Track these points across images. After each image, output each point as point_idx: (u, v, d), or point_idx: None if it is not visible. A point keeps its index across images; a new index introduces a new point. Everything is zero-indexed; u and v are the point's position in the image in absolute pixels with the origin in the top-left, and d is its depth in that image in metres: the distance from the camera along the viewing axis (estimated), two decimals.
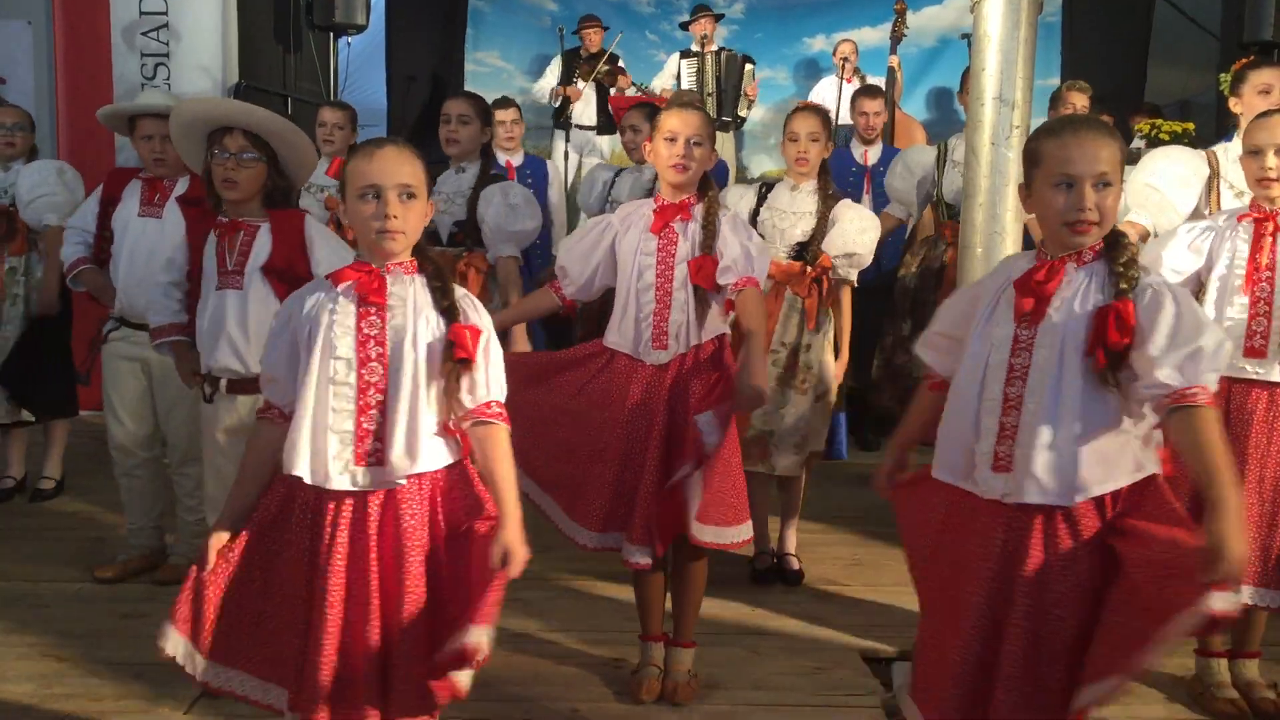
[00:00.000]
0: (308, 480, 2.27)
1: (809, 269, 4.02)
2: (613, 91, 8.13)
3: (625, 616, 3.36)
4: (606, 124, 8.11)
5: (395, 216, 2.27)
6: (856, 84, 7.45)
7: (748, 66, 8.08)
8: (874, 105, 5.90)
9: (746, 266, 3.09)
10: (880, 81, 7.69)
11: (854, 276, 4.11)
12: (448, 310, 2.33)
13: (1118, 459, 2.19)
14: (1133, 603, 2.06)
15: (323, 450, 2.27)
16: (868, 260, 4.11)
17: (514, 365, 3.07)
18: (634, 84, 8.25)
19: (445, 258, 4.21)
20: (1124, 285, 2.16)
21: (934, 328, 2.55)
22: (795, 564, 4.18)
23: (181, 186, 4.02)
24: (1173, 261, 3.18)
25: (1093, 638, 2.12)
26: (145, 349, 3.91)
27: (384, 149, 2.31)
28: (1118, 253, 2.21)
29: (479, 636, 2.14)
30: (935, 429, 2.40)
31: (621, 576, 3.30)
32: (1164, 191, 3.63)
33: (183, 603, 2.34)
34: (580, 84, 8.03)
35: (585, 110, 8.14)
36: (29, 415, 4.96)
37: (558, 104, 8.04)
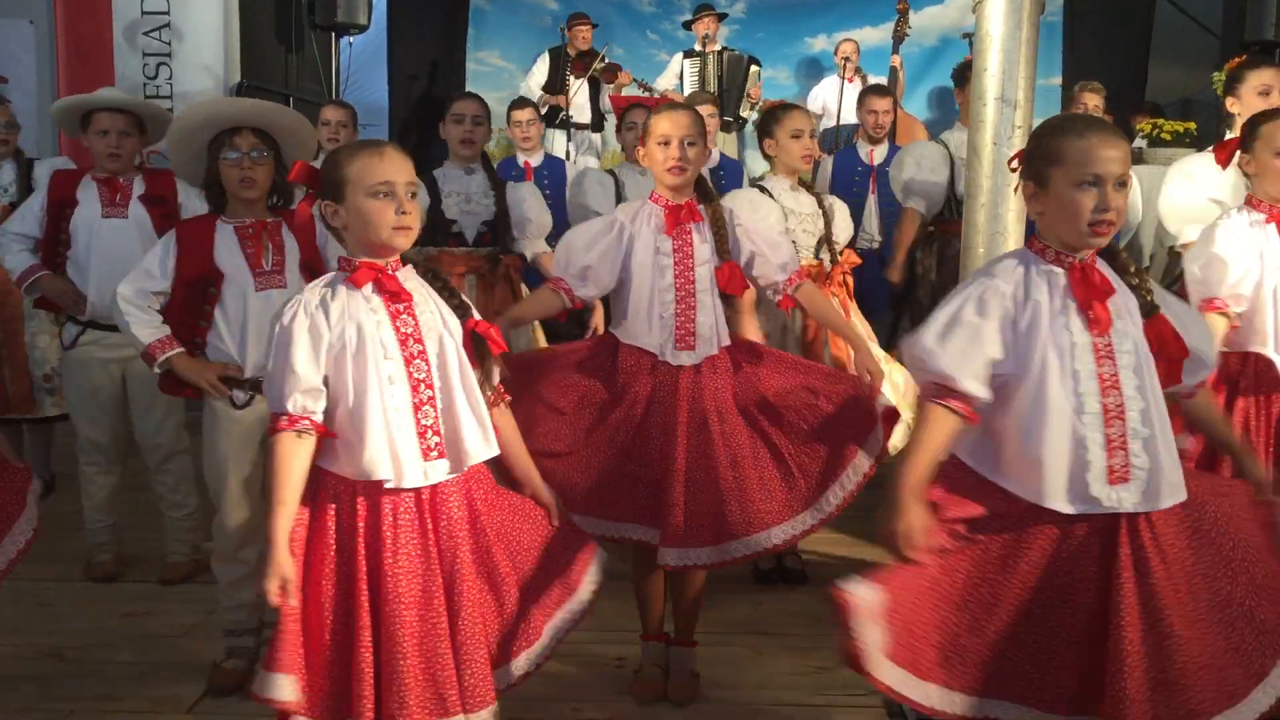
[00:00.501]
0: (391, 483, 2.28)
1: (834, 267, 4.08)
2: (608, 88, 8.12)
3: (627, 616, 3.36)
4: (599, 121, 8.11)
5: (409, 212, 2.31)
6: (858, 84, 7.46)
7: (753, 69, 8.07)
8: (883, 104, 5.90)
9: (794, 260, 3.24)
10: (882, 81, 7.71)
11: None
12: (461, 307, 2.42)
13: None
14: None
15: (396, 450, 2.28)
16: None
17: (521, 364, 3.09)
18: (635, 80, 8.24)
19: (475, 259, 4.21)
20: (1149, 298, 2.27)
21: (982, 357, 2.23)
22: (797, 563, 4.18)
23: (138, 186, 3.99)
24: (1240, 266, 3.03)
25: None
26: (121, 350, 3.81)
27: (387, 149, 2.33)
28: (1121, 263, 2.26)
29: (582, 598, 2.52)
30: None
31: (623, 575, 3.29)
32: (1227, 203, 3.55)
33: (283, 643, 2.23)
34: (573, 81, 8.00)
35: (579, 108, 8.12)
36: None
37: (544, 110, 8.01)
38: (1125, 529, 2.17)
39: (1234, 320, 3.01)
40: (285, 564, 2.22)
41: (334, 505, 2.30)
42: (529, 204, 4.26)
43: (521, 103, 6.21)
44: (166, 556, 4.14)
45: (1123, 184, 2.18)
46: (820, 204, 4.09)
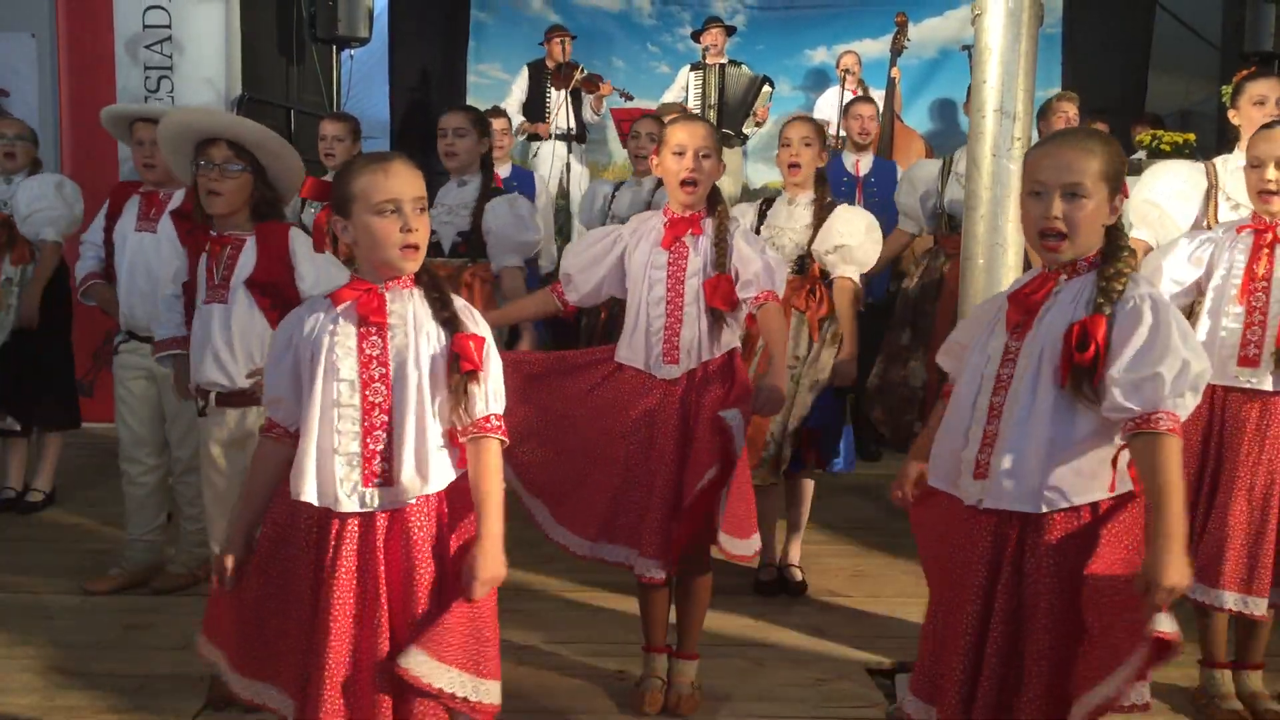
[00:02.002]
0: (315, 504, 2.27)
1: (805, 281, 4.03)
2: (589, 98, 8.10)
3: (628, 628, 3.35)
4: (582, 133, 8.09)
5: (417, 230, 2.27)
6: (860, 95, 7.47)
7: (765, 89, 8.05)
8: (868, 110, 5.96)
9: (767, 280, 3.10)
10: (881, 93, 7.72)
11: (849, 272, 4.06)
12: (448, 321, 2.31)
13: (1094, 472, 2.19)
14: (1091, 632, 2.11)
15: (330, 474, 2.26)
16: (860, 253, 4.04)
17: (517, 363, 3.10)
18: (616, 89, 8.21)
19: (448, 269, 4.24)
20: (1100, 300, 2.15)
21: (954, 336, 2.55)
22: (798, 575, 4.17)
23: (176, 200, 4.03)
24: (1173, 272, 3.20)
25: (1076, 653, 2.14)
26: (150, 359, 3.93)
27: (394, 162, 2.29)
28: (1107, 265, 2.21)
29: (417, 664, 2.18)
30: None
31: (624, 588, 3.30)
32: (1163, 207, 3.66)
33: (209, 617, 2.39)
34: (554, 94, 7.96)
35: (560, 119, 8.06)
36: (13, 424, 4.94)
37: (522, 138, 7.95)
38: (1017, 530, 2.21)
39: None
40: (234, 549, 2.35)
41: (291, 512, 2.32)
42: (499, 218, 4.24)
43: (495, 112, 6.20)
44: (167, 565, 4.14)
45: (1076, 194, 2.17)
46: (821, 218, 4.03)
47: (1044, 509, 2.18)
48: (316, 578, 2.27)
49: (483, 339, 2.32)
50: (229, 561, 2.34)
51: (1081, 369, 2.13)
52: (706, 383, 3.09)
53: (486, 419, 2.30)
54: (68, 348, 5.05)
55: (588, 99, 8.13)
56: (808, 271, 4.04)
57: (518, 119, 7.90)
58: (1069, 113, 5.33)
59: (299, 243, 3.27)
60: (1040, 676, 2.14)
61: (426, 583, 2.26)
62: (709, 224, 3.14)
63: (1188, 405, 2.10)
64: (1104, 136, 2.29)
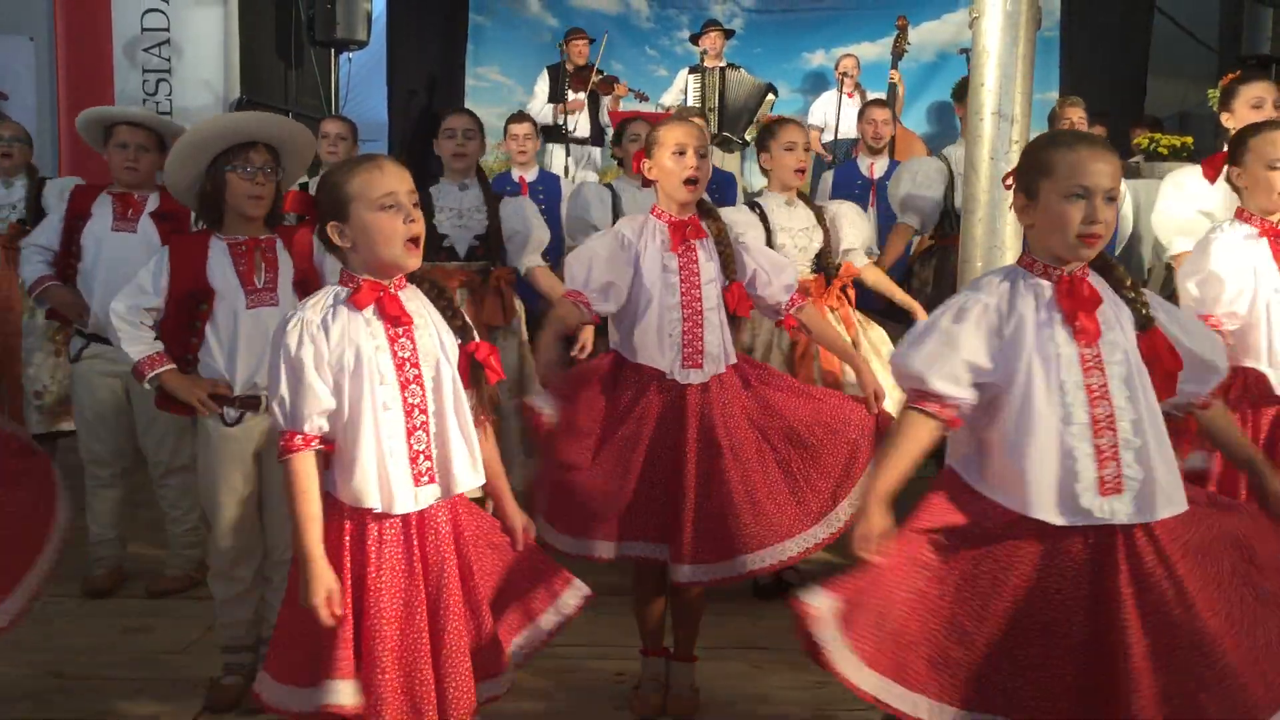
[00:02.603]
0: (378, 509, 2.27)
1: (834, 280, 4.10)
2: (606, 100, 8.13)
3: (627, 631, 3.35)
4: (599, 135, 8.13)
5: (417, 220, 2.29)
6: (857, 99, 7.48)
7: (769, 97, 8.07)
8: (883, 114, 5.92)
9: (794, 279, 3.22)
10: (881, 96, 7.73)
11: (865, 258, 4.28)
12: (463, 329, 2.40)
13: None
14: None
15: (387, 478, 2.27)
16: (870, 236, 4.30)
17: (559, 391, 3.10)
18: (631, 90, 8.24)
19: (467, 273, 4.22)
20: (1145, 311, 2.24)
21: (959, 357, 2.23)
22: (796, 578, 4.17)
23: (153, 203, 3.99)
24: (1236, 283, 3.04)
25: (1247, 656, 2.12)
26: (123, 364, 3.66)
27: (384, 160, 2.31)
28: (1117, 277, 2.25)
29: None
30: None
31: (623, 591, 3.29)
32: (1218, 216, 3.56)
33: (340, 654, 2.25)
34: (572, 95, 8.01)
35: (580, 122, 8.13)
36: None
37: (561, 120, 8.03)
38: (1122, 542, 2.15)
39: (1228, 337, 3.01)
40: (328, 577, 2.22)
41: (324, 521, 2.30)
42: (522, 217, 4.27)
43: (519, 117, 6.21)
44: (163, 569, 4.14)
45: (1111, 198, 2.19)
46: (820, 217, 4.10)
47: (1186, 506, 2.19)
48: (359, 580, 2.27)
49: (496, 348, 2.43)
50: (335, 588, 2.23)
51: (1173, 375, 2.24)
52: (734, 387, 3.10)
53: (484, 412, 2.44)
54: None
55: (604, 101, 8.15)
56: (835, 271, 4.12)
57: (542, 122, 7.99)
58: (1074, 117, 5.32)
59: (317, 241, 3.26)
60: (1226, 670, 2.10)
61: (455, 574, 2.33)
62: (710, 227, 3.15)
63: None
64: (1106, 140, 2.32)
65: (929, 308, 4.71)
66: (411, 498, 2.30)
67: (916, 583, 2.23)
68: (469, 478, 2.36)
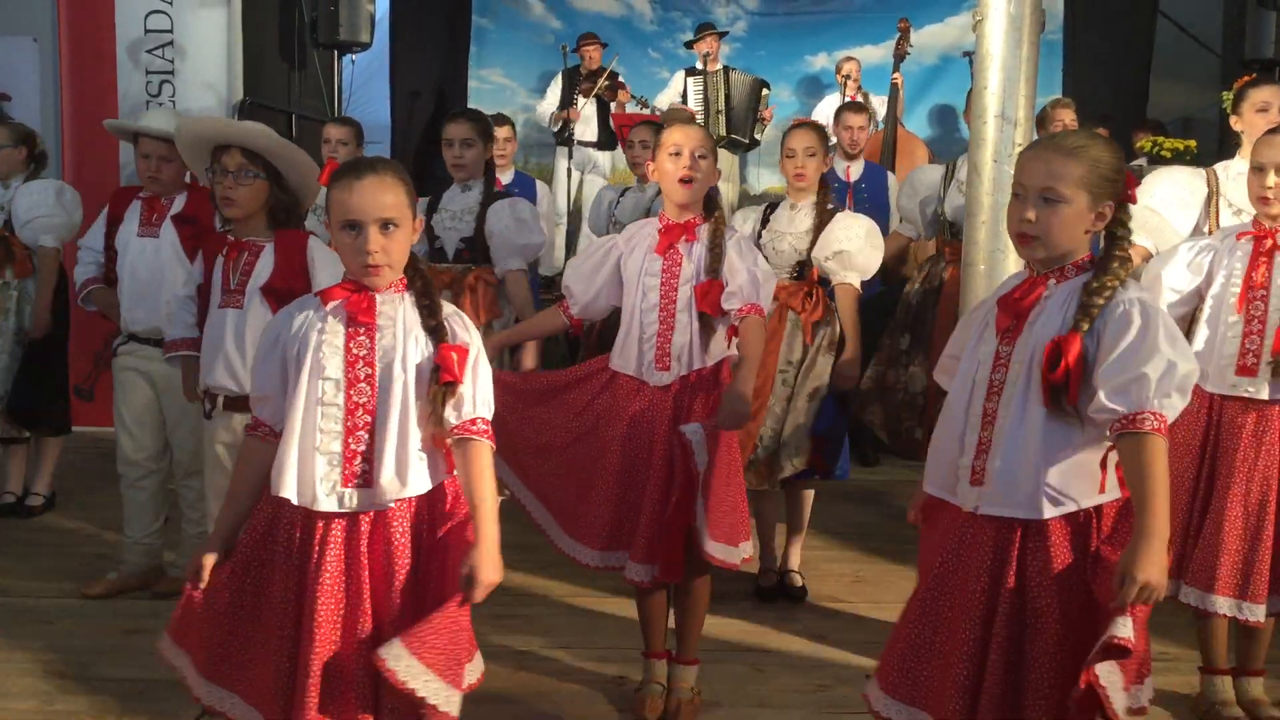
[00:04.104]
0: (294, 502, 2.26)
1: (802, 284, 4.06)
2: (613, 106, 8.15)
3: (628, 633, 3.35)
4: (608, 140, 8.15)
5: (376, 251, 2.24)
6: (860, 101, 7.47)
7: (764, 91, 8.08)
8: (858, 120, 5.92)
9: (752, 293, 3.09)
10: (883, 99, 7.73)
11: (850, 278, 4.04)
12: (435, 330, 2.30)
13: (1086, 475, 2.18)
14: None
15: (310, 472, 2.25)
16: (860, 259, 4.03)
17: (517, 386, 3.13)
18: (634, 97, 8.27)
19: (450, 274, 4.24)
20: (1079, 316, 2.14)
21: (948, 351, 2.53)
22: (798, 581, 4.17)
23: (178, 205, 4.06)
24: (1171, 280, 3.20)
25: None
26: (151, 363, 3.97)
27: (363, 180, 2.24)
28: (1094, 277, 2.18)
29: (395, 659, 2.09)
30: None
31: (625, 593, 3.30)
32: (1162, 213, 3.66)
33: (178, 618, 2.37)
34: (580, 101, 8.04)
35: (587, 127, 8.15)
36: (20, 431, 4.95)
37: (557, 128, 8.07)
38: (1018, 537, 2.19)
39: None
40: (212, 548, 2.33)
41: (274, 513, 2.32)
42: (502, 221, 4.27)
43: (499, 119, 6.20)
44: (167, 569, 4.15)
45: (1050, 199, 2.17)
46: (822, 223, 4.04)
47: (1043, 514, 2.17)
48: (299, 581, 2.26)
49: (466, 348, 2.29)
50: (206, 561, 2.31)
51: (1056, 386, 2.13)
52: (696, 391, 3.10)
53: (473, 421, 2.28)
54: (64, 353, 5.04)
55: (612, 106, 8.18)
56: (806, 275, 4.07)
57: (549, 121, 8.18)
58: (1065, 119, 5.33)
59: (317, 251, 3.30)
60: (1047, 684, 2.13)
61: (405, 587, 2.25)
62: (704, 230, 3.15)
63: (1175, 406, 2.08)
64: (1101, 141, 2.23)
65: (915, 315, 4.75)
66: (336, 498, 2.25)
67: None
68: (393, 488, 2.26)
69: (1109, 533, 2.18)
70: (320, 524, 2.26)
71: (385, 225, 2.24)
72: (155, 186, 4.07)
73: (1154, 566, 1.96)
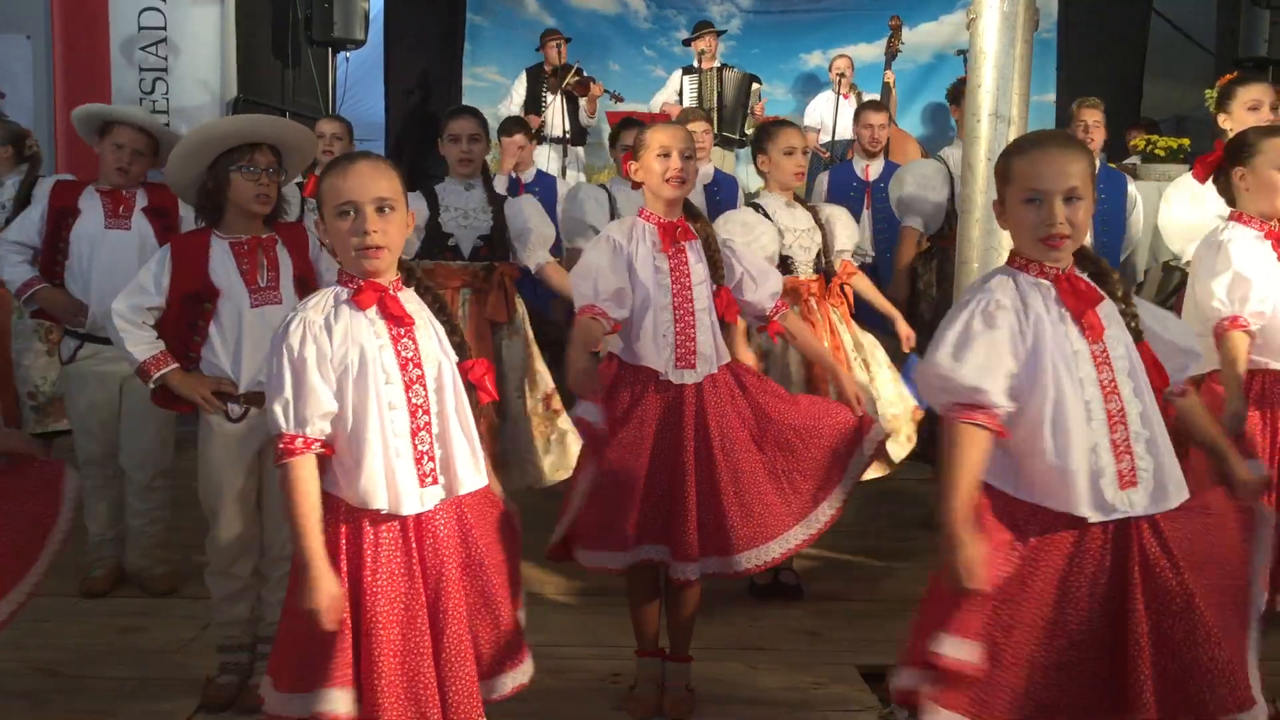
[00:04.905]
0: (385, 510, 2.26)
1: (834, 279, 4.15)
2: (583, 101, 8.13)
3: (623, 631, 3.35)
4: (578, 134, 8.12)
5: (375, 231, 2.25)
6: (853, 100, 7.48)
7: (754, 86, 8.09)
8: (879, 118, 5.88)
9: (780, 290, 3.27)
10: (875, 98, 7.73)
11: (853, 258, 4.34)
12: (460, 347, 2.41)
13: None
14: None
15: (394, 478, 2.27)
16: (867, 247, 4.37)
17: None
18: (607, 91, 8.24)
19: (470, 271, 4.22)
20: (1137, 327, 2.30)
21: (1002, 367, 2.19)
22: (794, 579, 4.17)
23: (142, 199, 3.99)
24: (1265, 287, 3.06)
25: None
26: (119, 364, 3.71)
27: (357, 164, 2.29)
28: (1110, 285, 2.28)
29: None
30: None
31: (619, 591, 3.29)
32: (1191, 221, 3.63)
33: (337, 663, 2.23)
34: (549, 97, 8.01)
35: (555, 123, 8.10)
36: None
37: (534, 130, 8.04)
38: (1135, 535, 2.18)
39: (1255, 337, 3.04)
40: (329, 581, 2.19)
41: (350, 524, 2.28)
42: (529, 215, 4.28)
43: (515, 124, 6.19)
44: (151, 569, 4.11)
45: (1075, 198, 2.19)
46: (816, 217, 4.14)
47: (1185, 495, 2.23)
48: (356, 582, 2.25)
49: (493, 366, 2.44)
50: (334, 590, 2.19)
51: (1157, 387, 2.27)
52: (726, 386, 3.13)
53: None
54: None
55: (582, 102, 8.16)
56: (835, 271, 4.18)
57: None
58: (1089, 121, 5.25)
59: (314, 239, 3.27)
60: (1213, 659, 2.14)
61: (457, 577, 2.32)
62: (698, 230, 3.18)
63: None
64: (1076, 138, 2.37)
65: (935, 310, 4.74)
66: (417, 499, 2.29)
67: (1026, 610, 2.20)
68: (472, 478, 2.36)
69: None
70: (369, 527, 2.26)
71: (381, 207, 2.26)
72: (121, 180, 3.95)
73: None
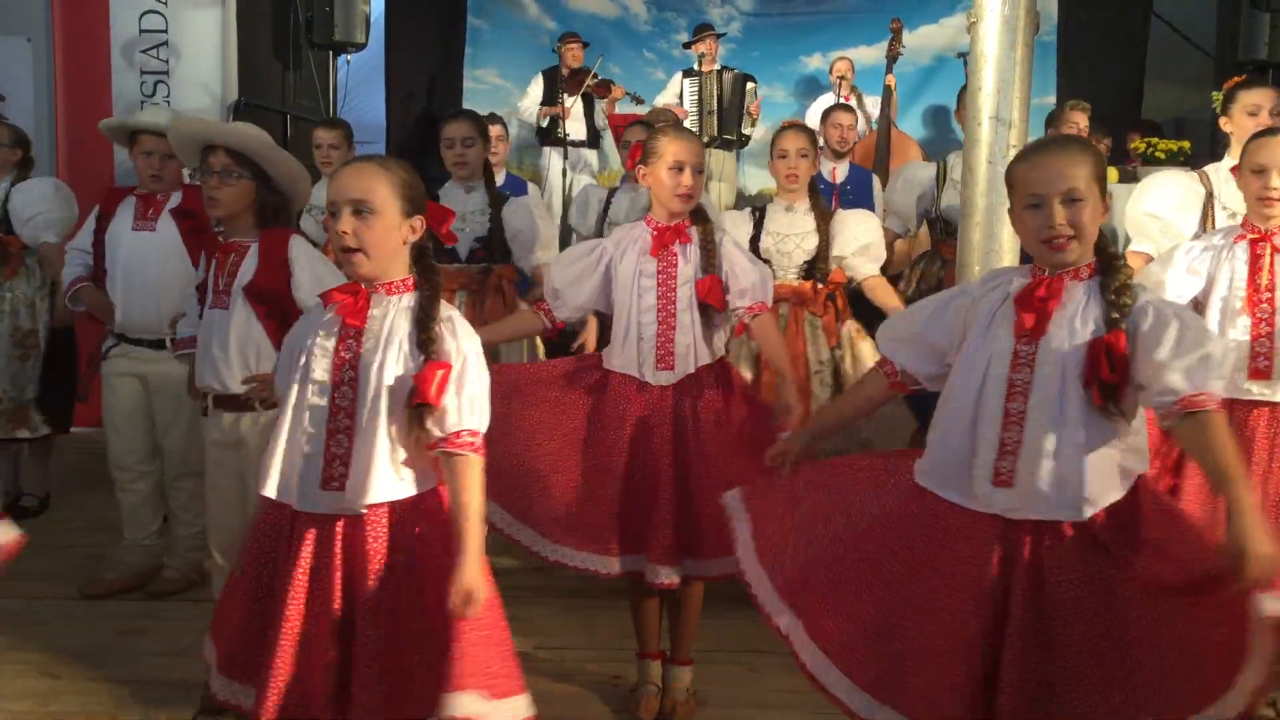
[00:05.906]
0: (273, 497, 2.31)
1: (820, 287, 4.07)
2: (601, 104, 8.13)
3: (624, 634, 3.35)
4: (594, 138, 8.14)
5: (347, 233, 2.24)
6: (853, 102, 7.47)
7: (749, 85, 8.09)
8: (848, 119, 5.88)
9: (762, 292, 3.17)
10: (876, 100, 7.74)
11: (873, 269, 4.17)
12: (425, 344, 2.27)
13: (1112, 472, 2.20)
14: (1188, 625, 2.10)
15: (290, 472, 2.29)
16: (879, 249, 4.18)
17: (510, 379, 3.11)
18: (628, 93, 8.26)
19: (467, 275, 4.23)
20: (1115, 315, 2.16)
21: (907, 324, 2.48)
22: None
23: (175, 200, 4.05)
24: (1175, 286, 3.17)
25: (1152, 664, 2.11)
26: (143, 364, 3.96)
27: (350, 165, 2.33)
28: (1111, 278, 2.20)
29: (464, 706, 2.16)
30: (857, 421, 2.59)
31: (620, 593, 3.29)
32: (1164, 218, 3.67)
33: (216, 614, 2.46)
34: (568, 99, 8.01)
35: (575, 126, 8.12)
36: (30, 432, 4.89)
37: (545, 123, 8.03)
38: (1030, 541, 2.19)
39: None
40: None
41: (276, 512, 2.36)
42: (523, 217, 4.30)
43: (491, 119, 6.19)
44: (162, 570, 4.15)
45: (1075, 199, 2.19)
46: (825, 223, 4.06)
47: (1083, 515, 2.17)
48: (283, 576, 2.29)
49: (449, 367, 2.25)
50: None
51: (1109, 385, 2.15)
52: (701, 387, 3.12)
53: (458, 434, 2.25)
54: (74, 352, 5.02)
55: (599, 104, 8.16)
56: (825, 278, 4.07)
57: (528, 122, 8.13)
58: (1080, 123, 5.29)
59: (298, 250, 3.24)
60: (1081, 685, 2.12)
61: (377, 593, 2.25)
62: (695, 232, 3.16)
63: (1221, 388, 2.12)
64: (1081, 140, 2.33)
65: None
66: (312, 499, 2.28)
67: (852, 554, 2.40)
68: (390, 489, 2.27)
69: (1104, 522, 2.19)
70: (299, 521, 2.30)
71: (359, 209, 2.25)
72: (157, 185, 4.04)
73: (1266, 535, 1.94)
